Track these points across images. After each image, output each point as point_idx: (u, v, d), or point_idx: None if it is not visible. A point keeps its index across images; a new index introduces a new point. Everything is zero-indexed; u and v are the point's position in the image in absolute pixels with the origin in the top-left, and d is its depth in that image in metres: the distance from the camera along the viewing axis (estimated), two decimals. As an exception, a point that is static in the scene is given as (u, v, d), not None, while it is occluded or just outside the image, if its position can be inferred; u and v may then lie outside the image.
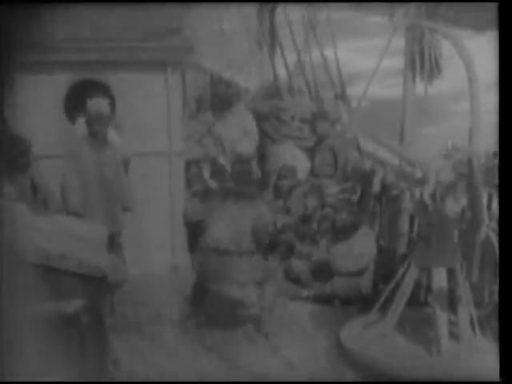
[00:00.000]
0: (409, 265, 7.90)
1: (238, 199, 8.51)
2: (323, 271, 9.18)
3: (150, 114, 9.83)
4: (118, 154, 9.38)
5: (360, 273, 8.99)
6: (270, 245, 9.75)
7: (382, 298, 8.05)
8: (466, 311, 7.77)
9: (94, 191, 8.78)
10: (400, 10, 9.01)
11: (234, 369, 7.55)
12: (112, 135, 9.52)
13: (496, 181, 7.83)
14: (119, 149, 9.48)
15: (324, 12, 12.01)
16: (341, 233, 9.32)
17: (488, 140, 7.37)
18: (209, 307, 8.44)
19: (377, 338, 7.85)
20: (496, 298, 7.80)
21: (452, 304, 7.77)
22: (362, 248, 9.05)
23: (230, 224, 8.37)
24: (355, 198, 9.98)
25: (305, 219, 9.83)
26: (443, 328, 7.64)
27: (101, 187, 8.82)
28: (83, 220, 8.30)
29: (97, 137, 8.86)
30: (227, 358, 7.74)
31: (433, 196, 7.85)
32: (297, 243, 9.63)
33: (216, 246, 8.33)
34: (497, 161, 7.64)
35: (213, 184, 10.78)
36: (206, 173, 11.09)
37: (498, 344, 6.20)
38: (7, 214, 6.45)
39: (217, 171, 10.86)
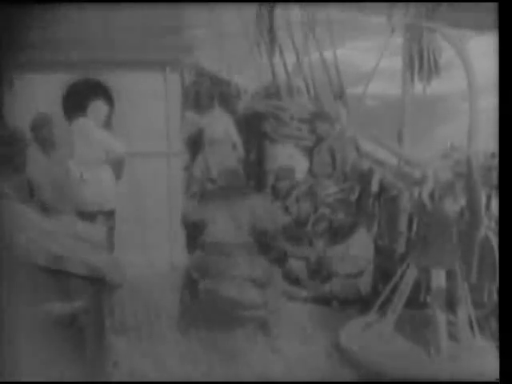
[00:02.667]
0: (408, 265, 7.91)
1: (230, 197, 8.49)
2: (321, 272, 9.19)
3: (148, 114, 9.83)
4: (108, 153, 9.44)
5: (358, 275, 9.00)
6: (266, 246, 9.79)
7: (381, 299, 8.06)
8: (465, 311, 7.77)
9: (51, 195, 8.74)
10: (399, 10, 9.02)
11: (234, 369, 7.56)
12: (101, 134, 9.54)
13: (494, 181, 7.84)
14: (110, 149, 9.50)
15: (323, 12, 12.00)
16: (339, 233, 9.33)
17: (487, 140, 7.38)
18: (205, 306, 8.42)
19: (376, 338, 7.85)
20: (495, 297, 7.81)
21: (451, 304, 7.78)
22: (358, 250, 9.05)
23: (229, 220, 8.34)
24: (353, 197, 9.99)
25: (299, 222, 9.84)
26: (442, 328, 7.64)
27: (54, 192, 8.78)
28: (83, 221, 8.31)
29: (44, 142, 8.83)
30: (227, 358, 7.74)
31: (431, 196, 7.85)
32: (294, 244, 9.63)
33: (215, 242, 8.30)
34: (495, 161, 7.66)
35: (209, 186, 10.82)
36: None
37: (498, 344, 6.21)
38: (7, 214, 6.45)
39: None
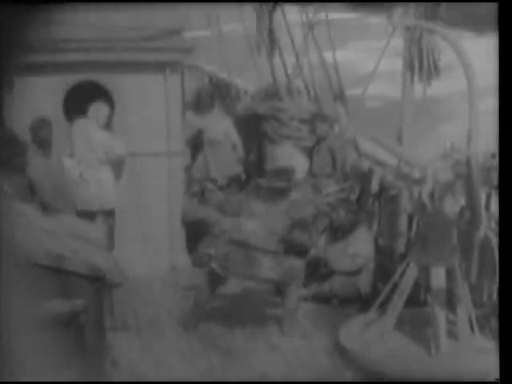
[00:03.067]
0: (407, 264, 7.91)
1: (269, 195, 8.50)
2: (320, 270, 9.19)
3: (148, 115, 9.84)
4: (108, 154, 9.47)
5: (356, 272, 8.99)
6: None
7: (381, 298, 8.07)
8: (465, 310, 7.78)
9: (51, 194, 8.73)
10: (399, 10, 9.00)
11: (234, 368, 7.56)
12: (101, 135, 9.56)
13: (494, 181, 7.85)
14: (110, 150, 9.53)
15: (322, 13, 12.00)
16: (339, 232, 9.33)
17: (486, 141, 7.39)
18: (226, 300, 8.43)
19: (376, 337, 7.85)
20: (495, 297, 7.82)
21: (451, 303, 7.79)
22: (358, 247, 9.05)
23: (261, 221, 8.34)
24: (354, 197, 9.98)
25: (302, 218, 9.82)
26: (442, 327, 7.65)
27: (55, 191, 8.78)
28: (83, 220, 8.33)
29: (42, 144, 8.85)
30: (227, 357, 7.75)
31: (431, 196, 7.86)
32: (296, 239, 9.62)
33: (243, 240, 8.27)
34: (495, 161, 7.66)
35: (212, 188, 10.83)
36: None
37: (497, 343, 6.21)
38: (8, 214, 6.46)
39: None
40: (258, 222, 8.31)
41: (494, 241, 7.81)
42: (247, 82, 14.11)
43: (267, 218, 8.33)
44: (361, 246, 9.06)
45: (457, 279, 7.77)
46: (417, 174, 8.15)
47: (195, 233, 9.64)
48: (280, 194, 8.54)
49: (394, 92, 10.05)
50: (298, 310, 8.36)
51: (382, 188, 9.67)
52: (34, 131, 8.83)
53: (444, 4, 9.02)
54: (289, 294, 8.28)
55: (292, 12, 12.59)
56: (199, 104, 11.42)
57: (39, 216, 7.06)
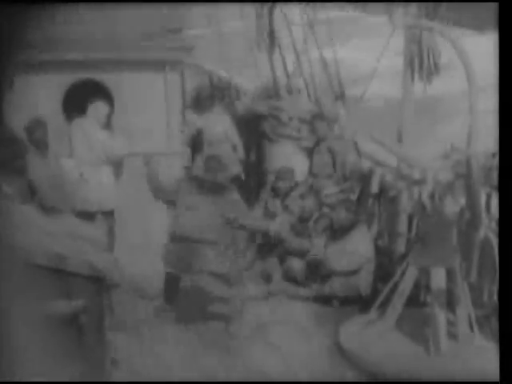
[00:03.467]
0: (407, 265, 7.91)
1: (208, 191, 8.41)
2: (319, 270, 9.19)
3: (148, 114, 9.84)
4: (108, 154, 9.46)
5: (355, 272, 8.98)
6: (268, 245, 9.76)
7: (381, 298, 8.07)
8: (465, 311, 7.79)
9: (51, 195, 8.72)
10: (399, 9, 8.99)
11: (234, 368, 7.56)
12: (101, 135, 9.55)
13: (495, 181, 7.84)
14: (110, 149, 9.52)
15: (323, 12, 11.99)
16: (338, 232, 9.33)
17: (487, 141, 7.37)
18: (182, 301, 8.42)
19: (376, 337, 7.86)
20: (495, 297, 7.81)
21: (451, 304, 7.79)
22: (356, 247, 9.04)
23: (199, 214, 8.28)
24: (353, 198, 9.97)
25: (303, 219, 9.82)
26: (442, 328, 7.65)
27: (54, 192, 8.78)
28: (83, 221, 8.31)
29: (38, 144, 8.83)
30: (227, 357, 7.75)
31: (431, 196, 7.86)
32: (294, 243, 9.60)
33: (184, 235, 8.26)
34: (495, 161, 7.66)
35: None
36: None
37: (497, 344, 6.20)
38: (8, 215, 6.46)
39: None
40: (194, 214, 8.27)
41: (495, 241, 7.80)
42: (247, 81, 14.09)
43: (205, 209, 8.26)
44: (360, 247, 9.05)
45: (457, 280, 7.77)
46: (417, 175, 8.14)
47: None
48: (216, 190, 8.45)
49: (394, 92, 10.04)
50: (243, 310, 8.33)
51: (382, 188, 9.67)
52: (29, 132, 8.81)
53: (444, 3, 9.01)
54: (236, 292, 8.26)
55: (292, 11, 12.57)
56: (199, 103, 11.42)
57: (39, 217, 7.03)
